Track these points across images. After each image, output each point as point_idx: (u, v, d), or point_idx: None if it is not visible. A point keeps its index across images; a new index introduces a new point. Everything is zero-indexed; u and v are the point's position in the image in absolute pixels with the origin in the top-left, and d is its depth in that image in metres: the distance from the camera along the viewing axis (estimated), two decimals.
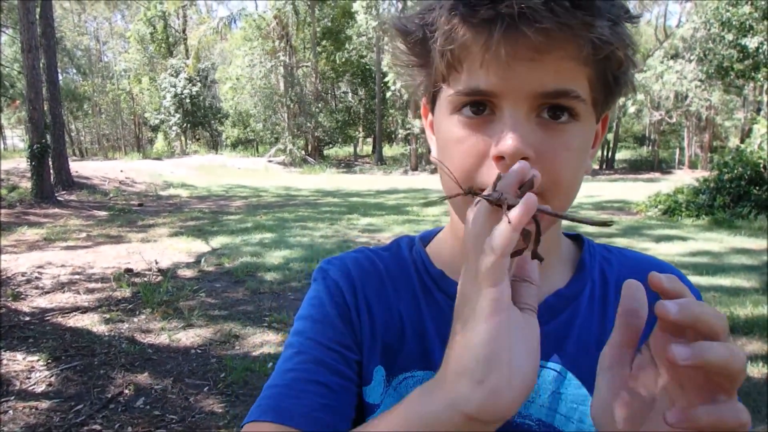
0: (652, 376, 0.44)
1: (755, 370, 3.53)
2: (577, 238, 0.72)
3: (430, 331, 0.64)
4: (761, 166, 10.30)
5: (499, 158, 0.52)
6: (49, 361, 3.80)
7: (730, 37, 13.78)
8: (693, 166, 29.77)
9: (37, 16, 13.15)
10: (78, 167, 17.13)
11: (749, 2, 12.57)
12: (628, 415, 0.45)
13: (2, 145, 39.83)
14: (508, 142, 0.51)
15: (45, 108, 13.21)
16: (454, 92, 0.55)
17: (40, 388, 3.43)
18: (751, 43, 12.78)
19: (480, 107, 0.55)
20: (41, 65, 12.79)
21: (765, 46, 12.27)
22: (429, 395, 0.44)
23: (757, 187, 10.14)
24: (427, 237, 0.74)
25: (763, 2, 12.10)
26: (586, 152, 0.58)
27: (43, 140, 12.28)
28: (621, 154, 37.43)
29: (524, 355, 0.42)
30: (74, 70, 32.41)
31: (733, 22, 12.92)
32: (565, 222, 0.58)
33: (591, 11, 0.50)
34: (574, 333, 0.63)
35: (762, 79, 14.81)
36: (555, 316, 0.63)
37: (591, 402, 0.47)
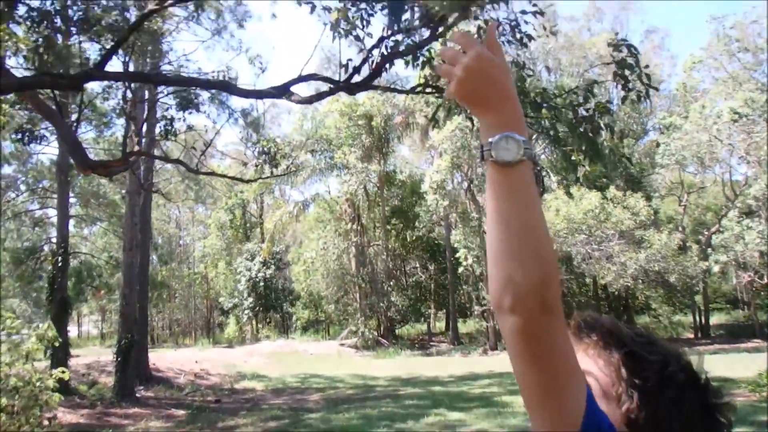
0: None
1: None
2: None
3: None
4: None
5: None
6: None
7: None
8: None
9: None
10: (154, 359, 16.97)
11: None
12: None
13: (78, 333, 40.47)
14: None
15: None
16: None
17: None
18: None
19: None
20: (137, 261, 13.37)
21: None
22: None
23: None
24: None
25: None
26: None
27: (131, 335, 12.31)
28: (715, 319, 34.22)
29: None
30: (156, 259, 34.15)
31: None
32: None
33: None
34: None
35: None
36: None
37: None
